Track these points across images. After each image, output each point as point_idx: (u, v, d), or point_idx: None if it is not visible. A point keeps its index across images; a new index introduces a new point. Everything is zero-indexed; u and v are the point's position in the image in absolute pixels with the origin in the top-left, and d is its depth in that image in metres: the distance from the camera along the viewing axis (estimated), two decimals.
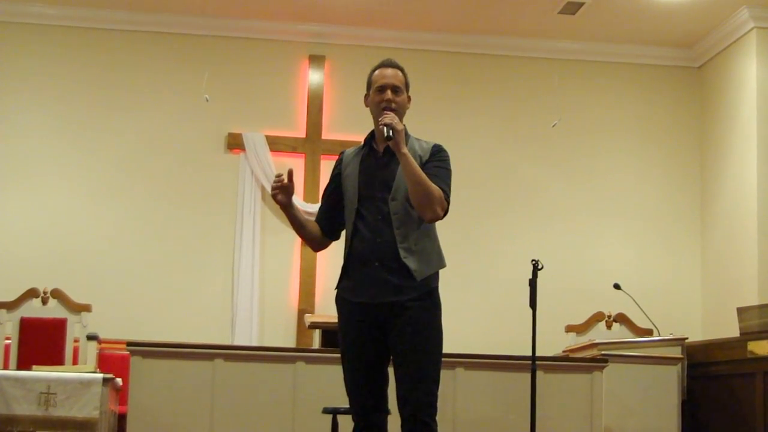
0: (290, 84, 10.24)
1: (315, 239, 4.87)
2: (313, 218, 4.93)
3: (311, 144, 10.10)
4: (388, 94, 4.68)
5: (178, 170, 9.98)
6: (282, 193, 4.68)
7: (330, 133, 10.14)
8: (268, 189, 9.84)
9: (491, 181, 10.03)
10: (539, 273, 6.55)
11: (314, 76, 10.22)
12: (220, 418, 6.85)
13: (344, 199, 4.76)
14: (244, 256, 9.78)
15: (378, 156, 4.74)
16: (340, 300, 4.72)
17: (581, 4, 9.62)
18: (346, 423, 5.84)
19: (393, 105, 4.67)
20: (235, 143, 10.01)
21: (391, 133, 4.49)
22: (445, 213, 4.62)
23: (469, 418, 6.84)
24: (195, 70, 10.04)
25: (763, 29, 9.58)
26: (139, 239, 9.83)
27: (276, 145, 10.03)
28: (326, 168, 10.04)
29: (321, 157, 10.07)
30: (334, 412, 6.02)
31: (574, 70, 10.56)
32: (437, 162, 4.68)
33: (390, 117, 4.57)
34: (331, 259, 9.70)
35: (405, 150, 4.52)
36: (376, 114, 4.71)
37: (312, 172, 10.03)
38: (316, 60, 10.25)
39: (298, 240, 9.91)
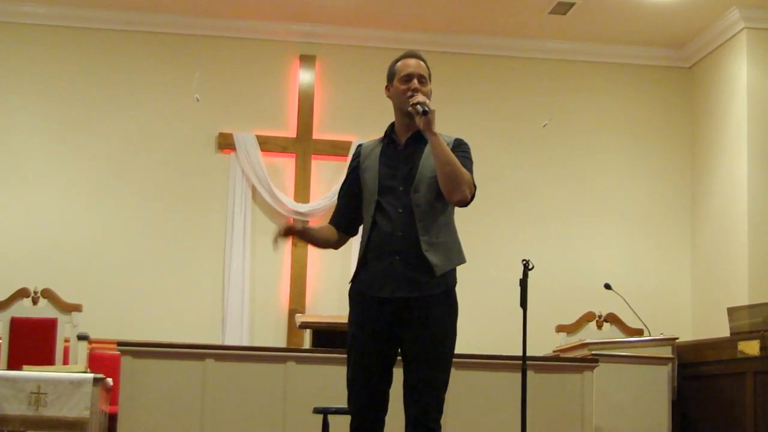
0: (281, 84, 10.24)
1: (334, 243, 4.83)
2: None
3: (302, 144, 10.09)
4: (415, 83, 4.62)
5: (168, 170, 9.97)
6: (288, 235, 4.69)
7: (321, 133, 10.14)
8: (259, 189, 9.87)
9: (481, 181, 9.91)
10: (530, 273, 6.55)
11: (305, 76, 10.22)
12: (210, 418, 6.84)
13: (363, 191, 4.68)
14: (235, 256, 9.77)
15: (399, 148, 4.67)
16: (355, 293, 4.61)
17: (572, 5, 9.63)
18: (336, 423, 5.85)
19: (419, 94, 4.59)
20: (225, 143, 10.00)
21: (427, 109, 4.43)
22: (472, 198, 4.58)
23: (459, 418, 6.85)
24: (185, 69, 10.03)
25: (754, 30, 9.60)
26: (129, 239, 9.81)
27: (267, 144, 10.02)
28: (317, 168, 10.05)
29: (312, 157, 10.07)
30: (325, 411, 6.02)
31: (565, 70, 10.57)
32: (461, 153, 4.62)
33: (422, 96, 4.53)
34: (322, 259, 9.74)
35: (436, 130, 4.47)
36: (400, 103, 4.64)
37: (303, 172, 10.03)
38: (307, 60, 10.25)
39: (289, 240, 9.89)
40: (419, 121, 4.47)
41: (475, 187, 4.60)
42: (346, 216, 4.78)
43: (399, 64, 4.73)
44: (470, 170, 4.61)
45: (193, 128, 10.03)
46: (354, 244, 4.86)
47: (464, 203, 4.56)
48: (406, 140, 4.66)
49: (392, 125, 4.75)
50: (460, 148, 4.68)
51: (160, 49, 10.14)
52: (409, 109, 4.53)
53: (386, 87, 4.75)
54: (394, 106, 4.72)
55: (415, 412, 4.45)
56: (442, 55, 10.36)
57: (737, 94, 9.66)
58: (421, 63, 4.72)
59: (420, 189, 4.55)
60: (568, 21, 9.99)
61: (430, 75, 4.73)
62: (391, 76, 4.73)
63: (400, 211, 4.54)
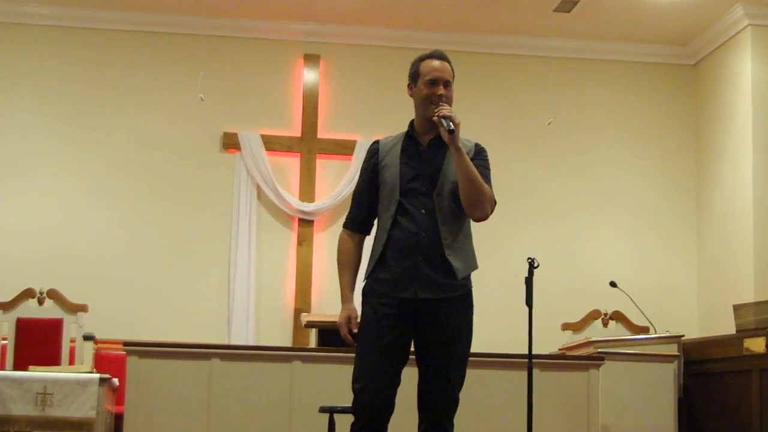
0: (285, 83, 10.24)
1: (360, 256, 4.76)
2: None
3: (307, 143, 10.09)
4: (441, 88, 4.59)
5: (173, 170, 9.97)
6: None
7: (325, 132, 10.14)
8: (264, 188, 9.86)
9: None
10: (535, 271, 6.55)
11: (309, 75, 10.22)
12: (216, 417, 6.84)
13: (382, 187, 4.62)
14: (240, 256, 9.77)
15: (421, 148, 4.63)
16: (373, 292, 4.56)
17: (576, 2, 9.63)
18: (342, 422, 5.85)
19: (444, 100, 4.56)
20: (230, 143, 10.00)
21: (452, 126, 4.39)
22: (492, 212, 4.58)
23: (466, 416, 6.83)
24: (190, 69, 10.03)
25: (758, 27, 9.59)
26: (135, 239, 9.82)
27: (271, 144, 10.03)
28: (322, 167, 10.05)
29: (316, 156, 10.07)
30: (331, 411, 6.02)
31: (569, 68, 10.56)
32: (480, 161, 4.61)
33: (448, 109, 4.48)
34: (328, 258, 9.74)
35: (461, 145, 4.45)
36: (423, 106, 4.60)
37: (307, 171, 10.03)
38: (311, 59, 10.24)
39: (295, 239, 9.92)
40: (443, 134, 4.43)
41: (495, 202, 4.58)
42: (368, 217, 4.73)
43: (424, 64, 4.67)
44: (489, 179, 4.60)
45: (198, 128, 10.04)
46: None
47: (484, 219, 4.57)
48: (428, 141, 4.63)
49: (412, 123, 4.71)
50: (480, 155, 4.66)
51: (164, 49, 10.14)
52: (434, 119, 4.49)
53: (408, 85, 4.71)
54: (415, 106, 4.68)
55: (431, 412, 4.47)
56: (447, 54, 10.35)
57: (742, 91, 9.65)
58: (447, 65, 4.68)
59: (443, 192, 4.54)
60: (572, 19, 9.99)
61: (453, 76, 4.68)
62: (414, 76, 4.68)
63: (423, 212, 4.52)
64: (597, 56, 10.59)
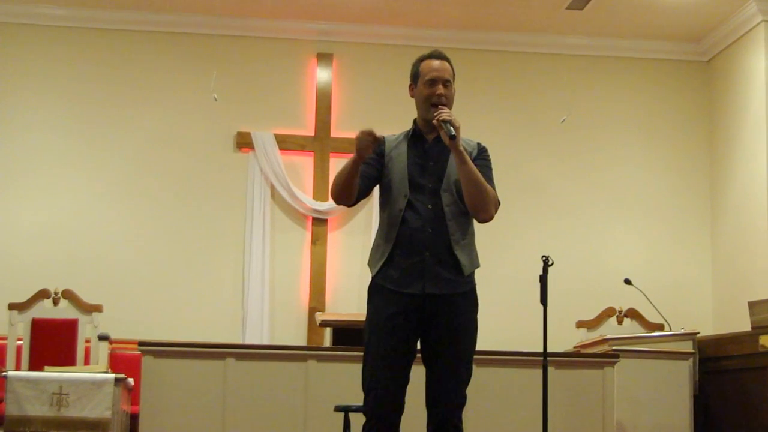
0: (298, 82, 10.25)
1: (352, 192, 4.62)
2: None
3: (320, 142, 10.10)
4: (440, 88, 4.60)
5: (187, 170, 9.98)
6: (372, 147, 4.48)
7: (339, 131, 10.14)
8: (278, 187, 9.86)
9: (500, 178, 9.89)
10: (549, 269, 6.55)
11: (322, 74, 10.22)
12: (231, 417, 6.86)
13: (387, 181, 4.64)
14: (255, 255, 9.78)
15: (427, 145, 4.65)
16: (381, 289, 4.57)
17: (589, 0, 9.62)
18: (358, 421, 5.85)
19: (444, 99, 4.58)
20: (244, 142, 10.01)
21: (453, 131, 4.40)
22: (495, 213, 4.59)
23: (481, 414, 6.84)
24: (203, 69, 10.05)
25: None
26: (149, 239, 9.84)
27: (285, 143, 10.03)
28: (336, 166, 10.02)
29: (330, 155, 10.07)
30: (346, 410, 6.03)
31: (582, 65, 10.55)
32: (483, 161, 4.63)
33: (447, 112, 4.48)
34: (342, 256, 9.74)
35: (462, 148, 4.46)
36: (424, 107, 4.63)
37: (321, 170, 10.03)
38: (324, 58, 10.25)
39: (309, 238, 9.91)
40: (444, 138, 4.45)
41: (499, 202, 4.60)
42: (361, 187, 4.63)
43: (423, 65, 4.69)
44: (492, 180, 4.63)
45: (212, 128, 10.05)
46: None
47: (488, 221, 4.58)
48: (433, 139, 4.65)
49: (415, 121, 4.73)
50: (482, 155, 4.68)
51: (177, 49, 10.16)
52: (434, 122, 4.50)
53: (410, 86, 4.74)
54: (417, 106, 4.71)
55: (440, 410, 4.47)
56: (459, 52, 10.30)
57: (755, 87, 9.63)
58: (446, 64, 4.69)
59: (450, 188, 4.56)
60: (585, 16, 9.98)
61: (454, 75, 4.70)
62: (415, 76, 4.70)
63: (429, 207, 4.53)
64: (610, 53, 10.57)
